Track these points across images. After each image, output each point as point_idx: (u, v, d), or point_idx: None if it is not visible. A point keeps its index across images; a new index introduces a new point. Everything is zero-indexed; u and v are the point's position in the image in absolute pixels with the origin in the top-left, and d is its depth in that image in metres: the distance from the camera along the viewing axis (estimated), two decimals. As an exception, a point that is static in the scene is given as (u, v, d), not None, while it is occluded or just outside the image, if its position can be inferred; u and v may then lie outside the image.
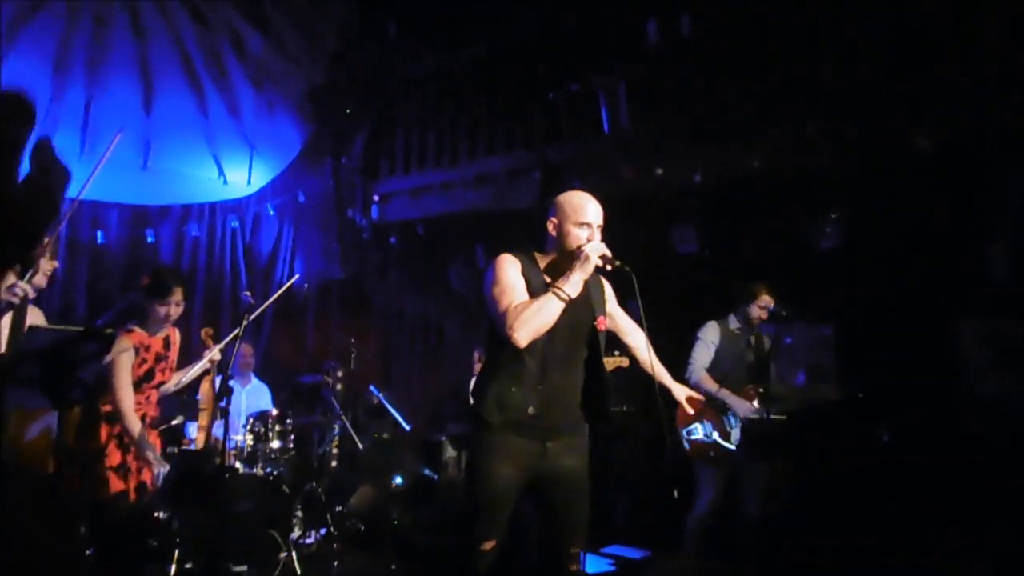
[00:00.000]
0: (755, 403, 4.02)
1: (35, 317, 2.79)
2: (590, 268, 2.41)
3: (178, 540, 3.99)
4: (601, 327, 2.57)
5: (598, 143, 5.23)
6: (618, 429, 5.22)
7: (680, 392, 2.94)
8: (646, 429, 5.23)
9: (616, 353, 3.27)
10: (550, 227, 2.54)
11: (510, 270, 2.46)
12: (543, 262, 2.56)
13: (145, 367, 3.24)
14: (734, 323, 4.23)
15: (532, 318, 2.34)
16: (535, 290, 2.44)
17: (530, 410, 2.43)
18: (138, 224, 7.16)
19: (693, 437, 4.08)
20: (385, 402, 5.60)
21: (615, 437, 5.24)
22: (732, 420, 4.03)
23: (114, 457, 3.15)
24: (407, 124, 6.44)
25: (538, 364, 2.44)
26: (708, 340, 4.19)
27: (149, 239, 7.09)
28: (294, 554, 4.37)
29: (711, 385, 4.05)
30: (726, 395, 4.03)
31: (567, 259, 2.47)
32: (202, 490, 3.93)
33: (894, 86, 3.97)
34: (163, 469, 3.19)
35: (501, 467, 2.42)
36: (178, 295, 3.28)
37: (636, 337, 2.87)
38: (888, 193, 4.25)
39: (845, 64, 4.15)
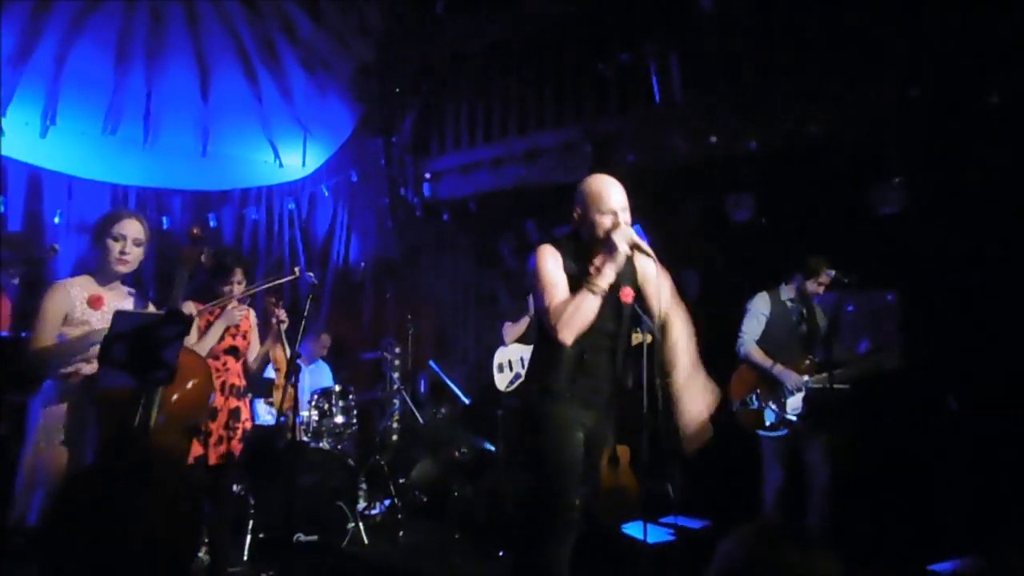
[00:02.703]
0: (805, 375, 3.96)
1: (126, 302, 2.87)
2: (621, 259, 2.45)
3: (253, 512, 4.18)
4: (627, 299, 2.57)
5: (649, 113, 5.15)
6: (672, 401, 5.19)
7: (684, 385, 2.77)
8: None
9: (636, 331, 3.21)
10: (575, 215, 2.57)
11: (551, 264, 2.49)
12: (575, 247, 2.57)
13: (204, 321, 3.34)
14: (786, 294, 4.15)
15: (573, 317, 2.39)
16: (573, 278, 2.49)
17: (580, 384, 2.53)
18: (200, 209, 7.40)
19: (745, 408, 4.07)
20: (444, 377, 5.71)
21: (669, 408, 5.21)
22: (786, 391, 3.98)
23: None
24: (456, 101, 6.44)
25: (579, 349, 2.49)
26: (758, 311, 4.13)
27: (211, 223, 7.31)
28: (361, 524, 4.54)
29: (760, 357, 4.04)
30: (773, 366, 4.00)
31: (596, 245, 2.51)
32: (274, 464, 4.09)
33: (961, 43, 3.81)
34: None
35: (572, 433, 2.52)
36: (238, 275, 3.41)
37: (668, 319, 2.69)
38: (955, 153, 4.09)
39: (909, 21, 3.99)
